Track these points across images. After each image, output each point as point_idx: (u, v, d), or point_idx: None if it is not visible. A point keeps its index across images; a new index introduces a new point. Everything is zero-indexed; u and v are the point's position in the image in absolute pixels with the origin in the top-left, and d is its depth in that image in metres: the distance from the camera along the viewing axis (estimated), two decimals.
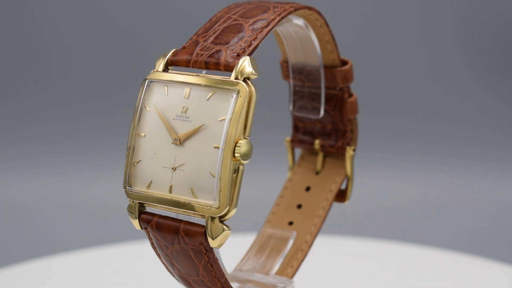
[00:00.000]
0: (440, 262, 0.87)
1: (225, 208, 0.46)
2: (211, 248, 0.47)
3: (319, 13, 0.54)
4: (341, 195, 0.62)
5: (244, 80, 0.46)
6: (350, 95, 0.60)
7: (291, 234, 0.60)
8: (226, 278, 0.50)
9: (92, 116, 1.33)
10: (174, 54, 0.49)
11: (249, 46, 0.48)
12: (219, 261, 0.49)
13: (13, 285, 0.81)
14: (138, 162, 0.48)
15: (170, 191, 0.47)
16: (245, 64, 0.46)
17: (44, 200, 1.25)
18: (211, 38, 0.49)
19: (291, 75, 0.60)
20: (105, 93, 1.33)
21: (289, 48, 0.58)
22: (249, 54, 0.47)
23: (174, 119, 0.47)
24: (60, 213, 1.23)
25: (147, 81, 0.49)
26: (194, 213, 0.47)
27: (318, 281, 0.80)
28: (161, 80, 0.49)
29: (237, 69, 0.46)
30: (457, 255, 0.90)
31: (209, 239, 0.46)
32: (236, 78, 0.46)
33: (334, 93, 0.60)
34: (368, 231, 1.12)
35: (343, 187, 0.62)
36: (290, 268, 0.58)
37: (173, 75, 0.48)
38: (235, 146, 0.45)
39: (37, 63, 1.33)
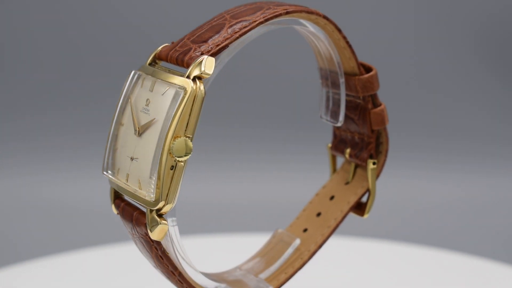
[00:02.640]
0: (441, 263, 0.87)
1: (160, 202, 0.47)
2: (156, 240, 0.48)
3: (325, 17, 0.53)
4: (361, 208, 0.60)
5: (194, 79, 0.47)
6: (376, 105, 0.57)
7: (293, 241, 0.59)
8: (180, 271, 0.51)
9: (84, 113, 1.33)
10: (161, 49, 0.51)
11: (217, 46, 0.48)
12: (171, 255, 0.50)
13: (12, 285, 0.81)
14: (116, 150, 0.51)
15: (127, 180, 0.49)
16: (199, 64, 0.47)
17: (36, 201, 1.25)
18: (194, 36, 0.50)
19: (320, 80, 0.59)
20: (101, 89, 1.33)
21: (314, 53, 0.58)
22: (214, 54, 0.48)
23: (141, 110, 0.49)
24: (56, 214, 1.23)
25: (133, 72, 0.51)
26: (139, 204, 0.49)
27: (319, 281, 0.80)
28: (142, 73, 0.50)
29: (191, 67, 0.47)
30: (458, 256, 0.90)
31: (148, 231, 0.47)
32: (188, 76, 0.47)
33: (359, 102, 0.58)
34: (367, 231, 1.12)
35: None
36: (284, 274, 0.58)
37: (152, 69, 0.50)
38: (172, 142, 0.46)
39: (22, 60, 1.33)
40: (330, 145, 0.63)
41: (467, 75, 1.36)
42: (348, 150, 0.61)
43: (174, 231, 0.50)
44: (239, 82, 1.34)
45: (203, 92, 0.47)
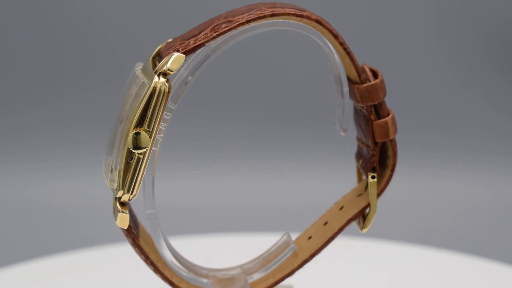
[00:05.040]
0: (440, 263, 0.87)
1: (119, 191, 0.49)
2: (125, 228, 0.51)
3: (318, 21, 0.50)
4: (363, 222, 0.58)
5: (160, 74, 0.48)
6: (381, 116, 0.54)
7: (289, 247, 0.59)
8: (152, 260, 0.53)
9: (84, 112, 1.33)
10: (164, 44, 0.52)
11: (193, 44, 0.49)
12: (140, 242, 0.52)
13: (12, 285, 0.82)
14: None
15: (109, 168, 0.51)
16: (168, 60, 0.48)
17: (36, 200, 1.25)
18: (186, 34, 0.51)
19: (335, 86, 0.57)
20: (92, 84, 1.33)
21: (328, 57, 0.55)
22: (188, 52, 0.48)
23: (128, 102, 0.51)
24: (56, 214, 1.23)
25: (136, 65, 0.53)
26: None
27: (320, 281, 0.80)
28: (140, 66, 0.53)
29: (160, 63, 0.48)
30: (458, 256, 0.90)
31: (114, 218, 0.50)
32: (156, 71, 0.48)
33: (364, 111, 0.55)
34: (368, 231, 1.12)
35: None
36: (272, 279, 0.58)
37: (148, 62, 0.52)
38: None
39: (16, 59, 1.32)
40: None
41: (475, 72, 1.36)
42: (360, 161, 0.58)
43: (153, 223, 0.53)
44: (251, 81, 1.34)
45: (165, 87, 0.48)
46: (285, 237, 0.60)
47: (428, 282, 0.81)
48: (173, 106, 0.50)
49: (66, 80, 1.33)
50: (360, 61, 0.54)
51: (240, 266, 0.60)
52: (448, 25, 1.34)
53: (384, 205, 1.24)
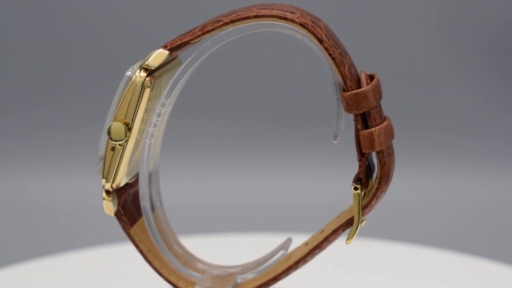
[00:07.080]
0: (440, 263, 0.87)
1: (102, 179, 0.51)
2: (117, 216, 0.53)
3: (302, 25, 0.49)
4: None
5: (142, 69, 0.49)
6: (368, 126, 0.51)
7: (280, 253, 0.58)
8: (141, 250, 0.55)
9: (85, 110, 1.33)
10: None
11: (180, 40, 0.50)
12: (131, 231, 0.54)
13: (12, 285, 0.82)
14: None
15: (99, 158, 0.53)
16: (151, 55, 0.49)
17: (36, 200, 1.25)
18: (184, 32, 0.51)
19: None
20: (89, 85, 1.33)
21: None
22: (172, 49, 0.50)
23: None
24: (56, 214, 1.22)
25: None
26: None
27: (319, 280, 0.80)
28: None
29: (145, 58, 0.50)
30: (458, 256, 0.90)
31: None
32: (141, 66, 0.49)
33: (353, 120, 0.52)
34: (368, 231, 1.12)
35: None
36: (259, 281, 0.58)
37: None
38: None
39: (12, 58, 1.32)
40: None
41: (475, 73, 1.36)
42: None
43: (148, 216, 0.54)
44: (251, 80, 1.34)
45: (146, 81, 0.49)
46: (284, 241, 0.60)
47: (428, 282, 0.81)
48: (166, 101, 0.51)
49: (66, 80, 1.33)
50: (360, 63, 0.53)
51: (242, 265, 0.60)
52: (449, 26, 1.34)
53: (384, 205, 1.24)
